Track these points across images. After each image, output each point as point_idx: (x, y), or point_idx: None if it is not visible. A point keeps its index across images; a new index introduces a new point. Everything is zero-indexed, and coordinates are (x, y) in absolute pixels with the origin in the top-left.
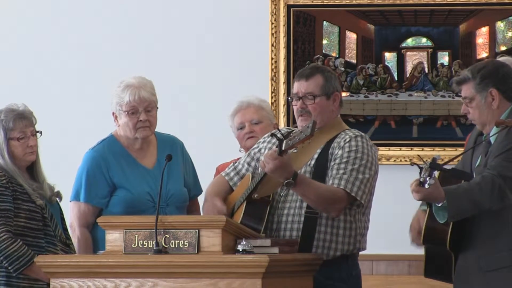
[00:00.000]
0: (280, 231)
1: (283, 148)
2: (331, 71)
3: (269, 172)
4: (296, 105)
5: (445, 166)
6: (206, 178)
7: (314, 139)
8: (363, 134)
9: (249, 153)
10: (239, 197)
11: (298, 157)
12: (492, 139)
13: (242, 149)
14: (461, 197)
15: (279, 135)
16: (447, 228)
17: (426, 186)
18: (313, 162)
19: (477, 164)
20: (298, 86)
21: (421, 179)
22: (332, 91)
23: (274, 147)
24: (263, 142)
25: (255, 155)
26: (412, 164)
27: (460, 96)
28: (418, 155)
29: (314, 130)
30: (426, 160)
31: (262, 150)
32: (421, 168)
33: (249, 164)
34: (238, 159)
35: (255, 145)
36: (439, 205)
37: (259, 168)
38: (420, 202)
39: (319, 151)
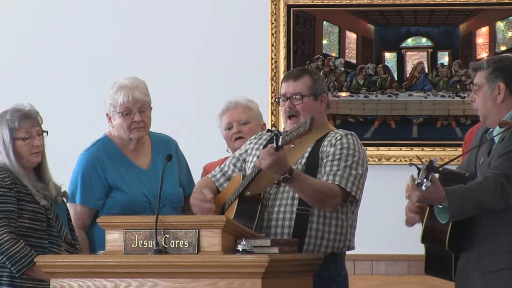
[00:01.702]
0: (271, 229)
1: (280, 143)
2: (319, 73)
3: (265, 168)
4: (284, 106)
5: (446, 166)
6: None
7: (303, 138)
8: (352, 132)
9: (235, 155)
10: (230, 196)
11: (289, 156)
12: (496, 139)
13: (229, 149)
14: (462, 196)
15: (275, 131)
16: (447, 228)
17: (423, 188)
18: (304, 161)
19: (480, 162)
20: (286, 87)
21: (419, 180)
22: (319, 92)
23: (261, 148)
24: (250, 143)
25: (240, 156)
26: (411, 164)
27: (460, 95)
28: (417, 156)
29: (312, 124)
30: (424, 161)
31: (249, 151)
32: (419, 169)
33: (234, 165)
34: (226, 158)
35: (242, 147)
36: (441, 206)
37: (251, 167)
38: None
39: (309, 149)
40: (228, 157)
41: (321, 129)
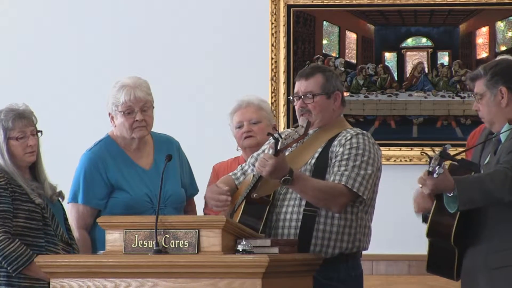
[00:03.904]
0: (278, 229)
1: (278, 148)
2: (332, 70)
3: (267, 176)
4: (296, 105)
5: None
6: (205, 178)
7: (315, 138)
8: (365, 132)
9: (253, 155)
10: (240, 197)
11: (299, 156)
12: (502, 137)
13: (239, 148)
14: (471, 185)
15: (275, 135)
16: (453, 222)
17: (435, 175)
18: (313, 161)
19: (485, 161)
20: (298, 86)
21: (430, 169)
22: (332, 90)
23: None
24: (268, 143)
25: (258, 156)
26: (422, 153)
27: (460, 95)
28: (431, 149)
29: (308, 130)
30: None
31: (266, 151)
32: (430, 158)
33: (253, 165)
34: (235, 158)
35: (262, 146)
36: (450, 195)
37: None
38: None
39: (320, 150)
40: (236, 157)
41: (334, 128)
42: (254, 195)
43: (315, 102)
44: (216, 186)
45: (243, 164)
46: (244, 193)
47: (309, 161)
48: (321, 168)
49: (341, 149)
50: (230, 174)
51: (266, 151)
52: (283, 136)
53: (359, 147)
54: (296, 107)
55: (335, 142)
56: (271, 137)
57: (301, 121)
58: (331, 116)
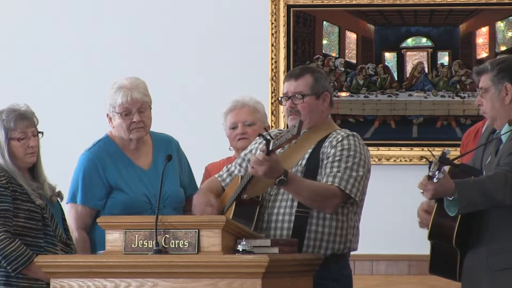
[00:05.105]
0: (270, 230)
1: (270, 148)
2: (322, 71)
3: (261, 175)
4: (285, 105)
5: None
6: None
7: (305, 139)
8: (354, 133)
9: (240, 155)
10: (229, 198)
11: (289, 157)
12: (503, 138)
13: (231, 147)
14: (472, 188)
15: (266, 136)
16: (454, 224)
17: (435, 180)
18: (304, 162)
19: (487, 161)
20: (287, 86)
21: (430, 173)
22: (321, 91)
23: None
24: (255, 143)
25: (245, 156)
26: (422, 158)
27: (460, 95)
28: (429, 150)
29: (301, 129)
30: (436, 155)
31: (254, 151)
32: (430, 162)
33: (240, 165)
34: (228, 158)
35: (248, 147)
36: (451, 199)
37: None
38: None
39: (310, 150)
40: (229, 157)
41: (323, 129)
42: (245, 196)
43: (305, 102)
44: (206, 195)
45: (229, 165)
46: (234, 195)
47: (299, 162)
48: (312, 169)
49: (332, 151)
50: (216, 176)
51: (254, 151)
52: (273, 133)
53: (350, 148)
54: (285, 108)
55: (326, 144)
56: (262, 138)
57: (290, 121)
58: (320, 117)
